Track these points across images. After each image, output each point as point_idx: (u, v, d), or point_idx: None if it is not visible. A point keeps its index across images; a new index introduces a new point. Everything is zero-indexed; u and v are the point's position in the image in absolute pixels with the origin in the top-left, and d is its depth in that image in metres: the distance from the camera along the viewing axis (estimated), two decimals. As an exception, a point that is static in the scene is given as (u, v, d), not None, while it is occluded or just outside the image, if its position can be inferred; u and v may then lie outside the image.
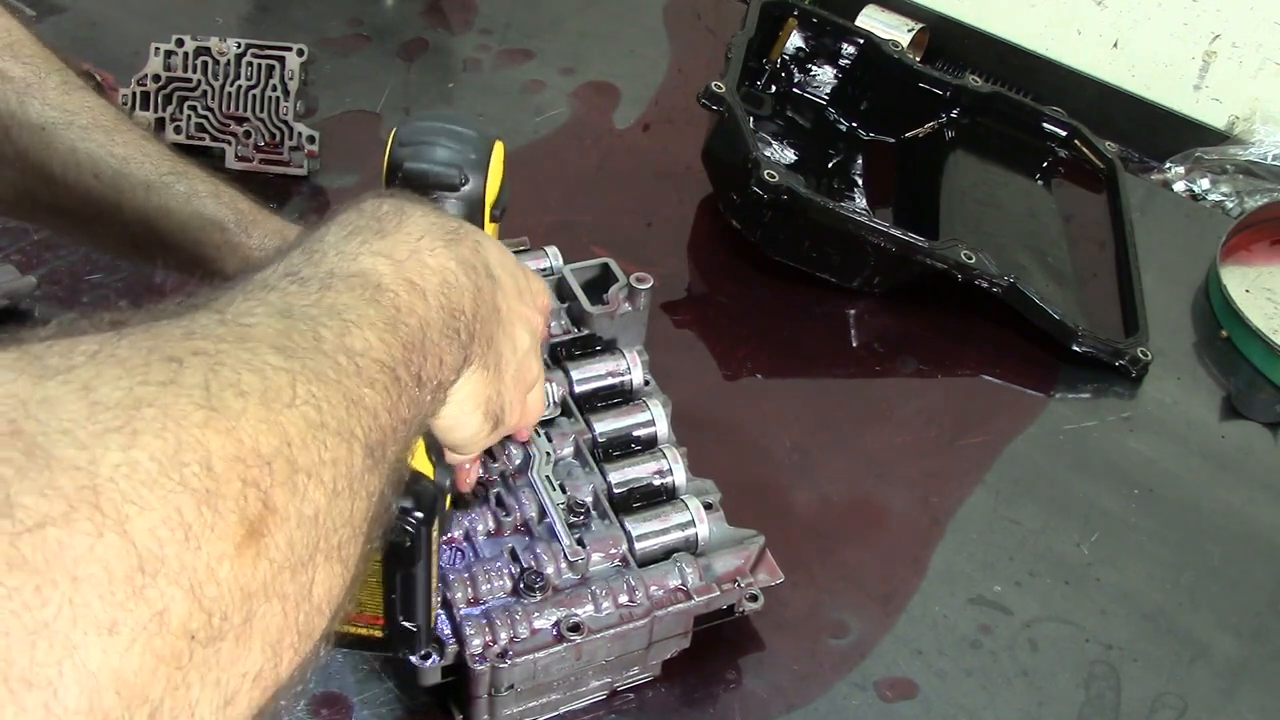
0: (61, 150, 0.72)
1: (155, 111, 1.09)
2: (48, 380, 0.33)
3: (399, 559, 0.57)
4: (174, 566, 0.32)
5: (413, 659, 0.68)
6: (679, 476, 0.81)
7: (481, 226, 0.65)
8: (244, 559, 0.34)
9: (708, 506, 0.79)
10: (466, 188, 0.64)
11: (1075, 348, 1.04)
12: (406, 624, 0.61)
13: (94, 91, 0.75)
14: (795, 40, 1.22)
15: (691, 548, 0.78)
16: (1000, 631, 0.86)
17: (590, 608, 0.72)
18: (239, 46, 1.08)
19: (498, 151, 0.66)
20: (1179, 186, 2.07)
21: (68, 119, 0.72)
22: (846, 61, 1.22)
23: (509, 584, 0.72)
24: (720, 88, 1.04)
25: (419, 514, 0.56)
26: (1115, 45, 2.21)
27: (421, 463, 0.58)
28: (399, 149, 0.64)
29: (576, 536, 0.74)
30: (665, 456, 0.81)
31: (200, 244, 0.75)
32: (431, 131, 0.65)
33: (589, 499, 0.77)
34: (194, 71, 1.08)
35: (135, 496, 0.31)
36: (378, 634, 0.61)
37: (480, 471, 0.72)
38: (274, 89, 1.08)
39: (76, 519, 0.30)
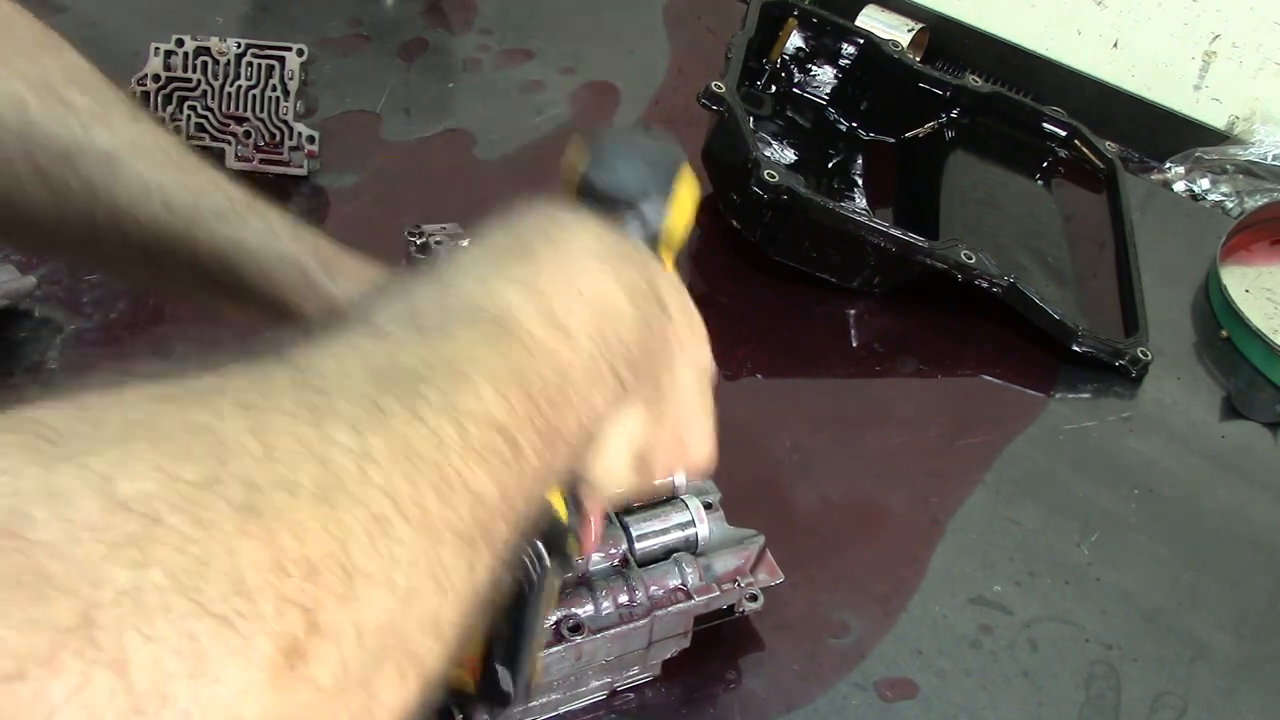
0: (130, 180, 0.66)
1: (155, 111, 1.09)
2: (61, 465, 0.27)
3: (514, 602, 0.50)
4: (183, 705, 0.26)
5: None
6: (679, 476, 0.81)
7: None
8: (280, 689, 0.28)
9: (708, 506, 0.79)
10: (655, 217, 0.55)
11: (1075, 348, 1.04)
12: (505, 675, 0.52)
13: (159, 124, 0.70)
14: (795, 40, 1.22)
15: (691, 547, 0.78)
16: (1000, 631, 0.86)
17: (590, 607, 0.72)
18: (239, 46, 1.08)
19: (688, 180, 0.57)
20: (1179, 186, 2.07)
21: (136, 148, 0.67)
22: (846, 61, 1.22)
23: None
24: (720, 88, 1.04)
25: (546, 556, 0.49)
26: (1115, 45, 2.21)
27: (554, 497, 0.49)
28: (588, 163, 0.55)
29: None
30: (665, 456, 0.81)
31: (278, 284, 0.68)
32: (627, 150, 0.56)
33: (589, 499, 0.77)
34: (194, 71, 1.08)
35: (140, 625, 0.26)
36: (468, 683, 0.52)
37: (602, 527, 0.60)
38: (274, 89, 1.08)
39: (61, 659, 0.25)
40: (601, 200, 0.53)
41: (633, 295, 0.45)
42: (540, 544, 0.48)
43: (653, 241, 0.56)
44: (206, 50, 1.08)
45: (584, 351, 0.41)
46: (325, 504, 0.30)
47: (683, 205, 0.57)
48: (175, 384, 0.31)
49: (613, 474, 0.50)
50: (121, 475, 0.27)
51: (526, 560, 0.48)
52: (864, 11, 2.36)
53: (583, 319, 0.42)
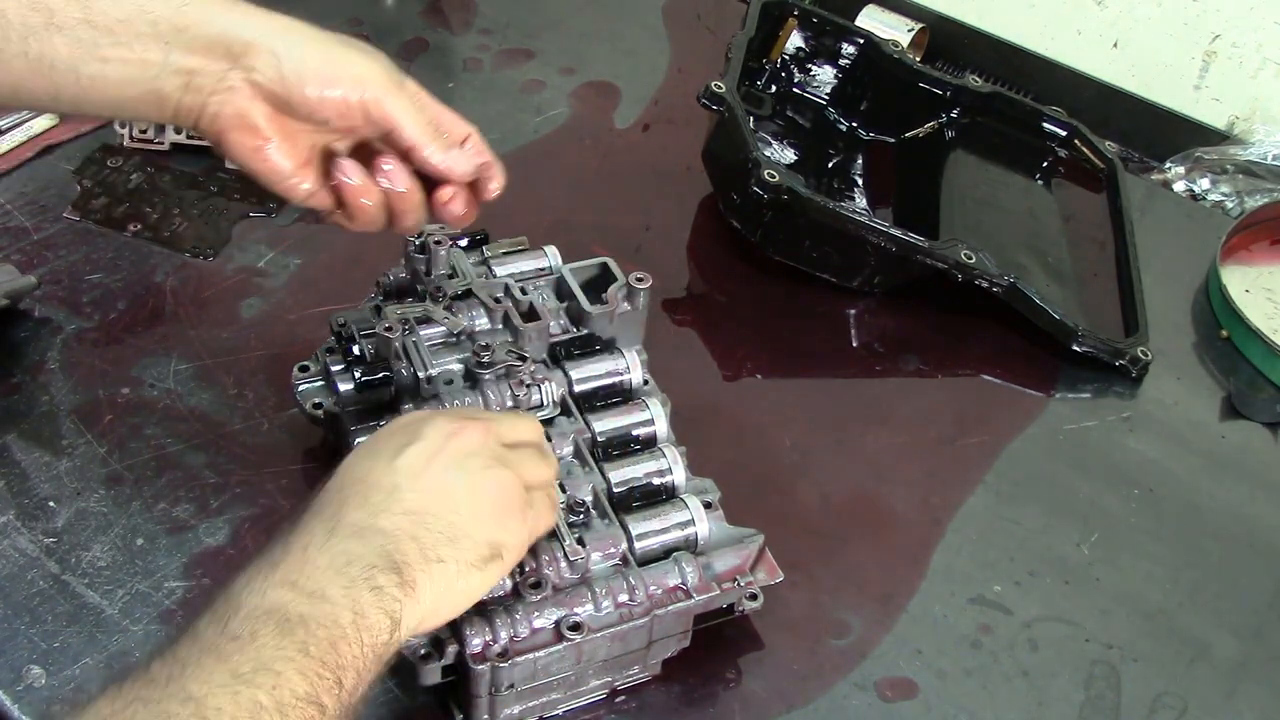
0: None
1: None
2: None
3: None
4: None
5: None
6: (678, 475, 0.81)
7: None
8: None
9: (707, 505, 0.79)
10: None
11: (1075, 348, 1.04)
12: None
13: None
14: (795, 40, 1.22)
15: (691, 547, 0.78)
16: (1000, 631, 0.86)
17: (590, 607, 0.72)
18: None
19: None
20: (1179, 186, 2.07)
21: None
22: (846, 61, 1.22)
23: (509, 583, 0.72)
24: (720, 88, 1.04)
25: None
26: (1115, 45, 2.21)
27: None
28: None
29: (576, 535, 0.74)
30: (665, 456, 0.81)
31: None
32: None
33: (589, 498, 0.77)
34: (194, 71, 1.08)
35: None
36: None
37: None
38: (274, 89, 1.08)
39: None
40: None
41: (347, 530, 0.62)
42: None
43: None
44: (206, 50, 1.07)
45: (338, 597, 0.59)
46: None
47: None
48: None
49: (466, 604, 0.66)
50: None
51: None
52: (864, 11, 2.36)
53: (326, 577, 0.60)
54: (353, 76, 0.69)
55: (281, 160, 0.70)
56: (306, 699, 0.55)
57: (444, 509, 0.65)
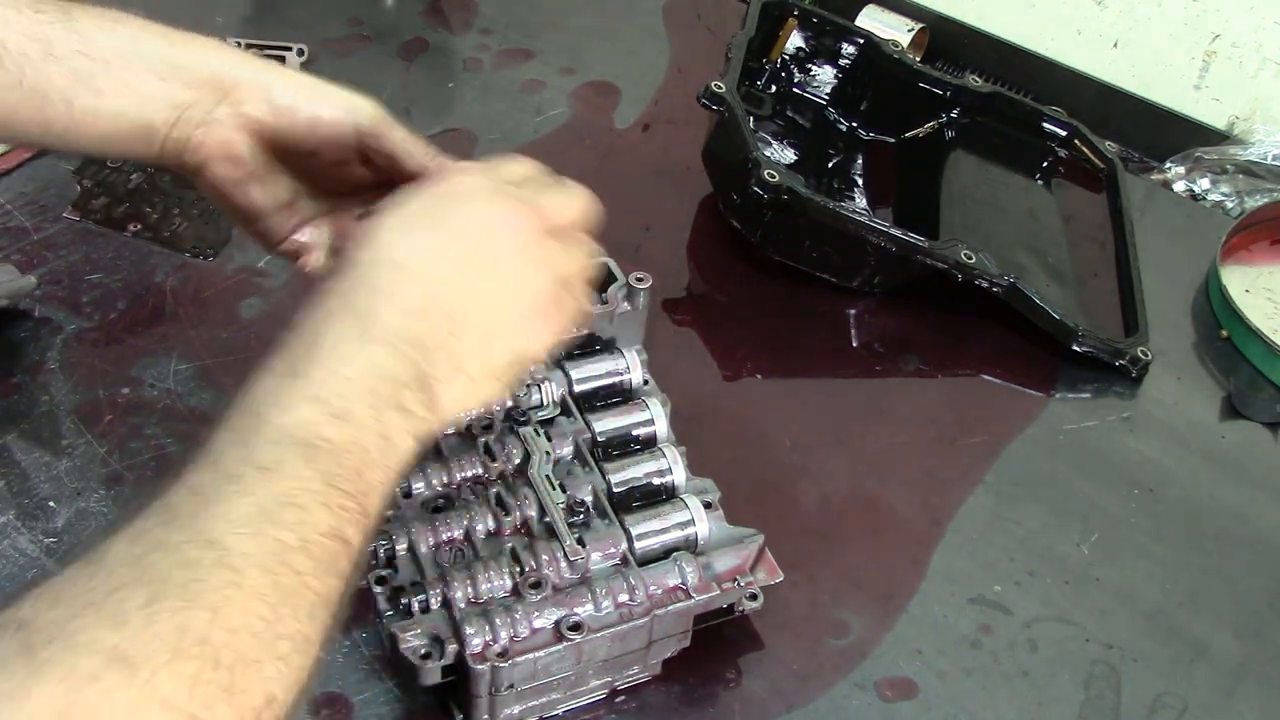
0: None
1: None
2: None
3: None
4: None
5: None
6: (678, 475, 0.81)
7: None
8: None
9: (707, 505, 0.79)
10: None
11: (1075, 348, 1.04)
12: None
13: None
14: (795, 40, 1.22)
15: (691, 547, 0.78)
16: (1000, 631, 0.86)
17: (590, 607, 0.72)
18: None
19: None
20: (1179, 186, 2.07)
21: None
22: (846, 61, 1.22)
23: (509, 583, 0.72)
24: (720, 88, 1.04)
25: None
26: (1115, 45, 2.21)
27: None
28: None
29: (576, 536, 0.74)
30: (664, 456, 0.81)
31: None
32: None
33: (589, 498, 0.77)
34: (194, 71, 1.08)
35: None
36: None
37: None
38: (274, 89, 1.08)
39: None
40: None
41: (390, 339, 0.58)
42: None
43: None
44: (206, 50, 1.08)
45: (366, 420, 0.56)
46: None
47: None
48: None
49: (487, 397, 0.63)
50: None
51: None
52: (864, 11, 2.36)
53: (355, 394, 0.56)
54: (346, 103, 0.70)
55: (261, 197, 0.70)
56: (331, 533, 0.52)
57: (481, 313, 0.62)
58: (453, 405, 0.61)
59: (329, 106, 0.70)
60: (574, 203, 0.69)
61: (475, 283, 0.62)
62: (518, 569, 0.73)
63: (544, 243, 0.65)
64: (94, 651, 0.43)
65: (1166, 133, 2.18)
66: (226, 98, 0.69)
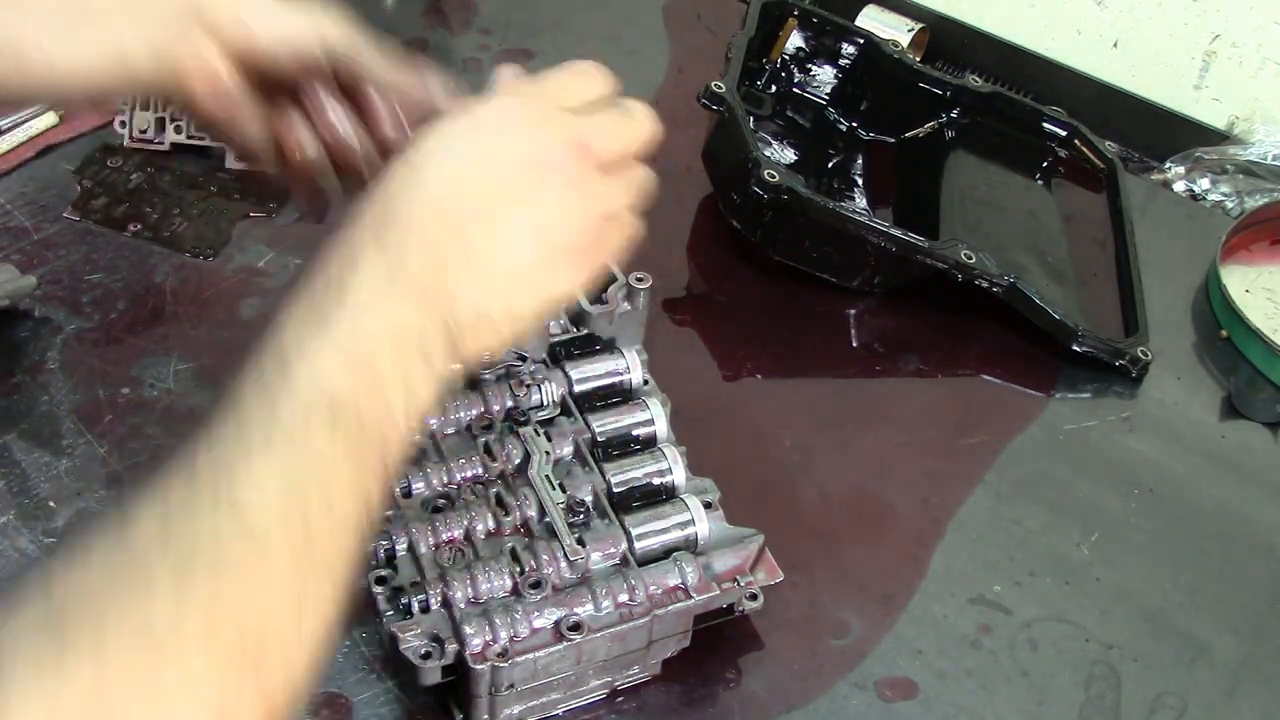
0: None
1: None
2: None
3: None
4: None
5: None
6: (678, 475, 0.81)
7: None
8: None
9: (707, 505, 0.79)
10: None
11: (1075, 348, 1.04)
12: None
13: None
14: (795, 40, 1.22)
15: (691, 546, 0.78)
16: (1000, 631, 0.86)
17: (590, 607, 0.72)
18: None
19: None
20: (1179, 186, 2.07)
21: None
22: (846, 61, 1.22)
23: (509, 583, 0.72)
24: (720, 88, 1.04)
25: None
26: (1115, 45, 2.21)
27: None
28: None
29: (576, 536, 0.74)
30: (664, 456, 0.81)
31: None
32: None
33: (589, 498, 0.77)
34: (194, 71, 1.08)
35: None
36: None
37: None
38: (274, 89, 1.08)
39: None
40: None
41: (409, 284, 0.55)
42: None
43: None
44: (207, 50, 1.07)
45: (387, 372, 0.54)
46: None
47: None
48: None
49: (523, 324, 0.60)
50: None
51: None
52: (864, 11, 2.36)
53: (377, 345, 0.54)
54: (311, 18, 0.69)
55: (254, 130, 0.69)
56: (353, 490, 0.52)
57: (513, 254, 0.59)
58: (475, 348, 0.59)
59: (293, 13, 0.68)
60: (632, 132, 0.64)
61: (511, 223, 0.59)
62: (518, 569, 0.73)
63: (591, 180, 0.60)
64: (122, 628, 0.43)
65: (1166, 133, 2.18)
66: (200, 18, 0.67)
